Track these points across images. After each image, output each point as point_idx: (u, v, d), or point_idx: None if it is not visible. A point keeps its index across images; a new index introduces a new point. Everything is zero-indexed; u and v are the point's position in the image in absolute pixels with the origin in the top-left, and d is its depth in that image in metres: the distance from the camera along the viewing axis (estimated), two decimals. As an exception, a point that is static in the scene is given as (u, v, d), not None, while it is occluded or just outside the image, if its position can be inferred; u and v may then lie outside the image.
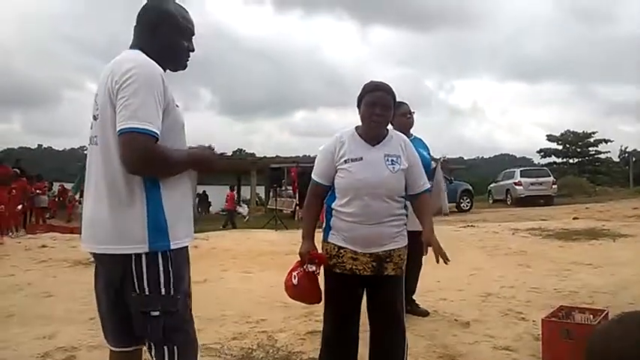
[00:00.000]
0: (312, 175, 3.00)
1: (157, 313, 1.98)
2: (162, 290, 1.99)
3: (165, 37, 2.15)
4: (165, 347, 2.00)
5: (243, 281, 6.08)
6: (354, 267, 2.85)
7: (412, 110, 4.71)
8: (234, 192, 22.33)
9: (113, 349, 2.19)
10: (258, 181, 27.87)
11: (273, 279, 6.29)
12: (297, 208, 20.49)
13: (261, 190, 30.09)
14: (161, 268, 1.99)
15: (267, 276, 6.58)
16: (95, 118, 2.06)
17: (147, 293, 1.97)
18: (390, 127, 2.99)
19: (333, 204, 2.90)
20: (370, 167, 2.82)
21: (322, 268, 2.91)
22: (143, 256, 1.97)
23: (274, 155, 33.64)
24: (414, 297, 4.69)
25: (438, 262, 2.86)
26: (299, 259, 2.95)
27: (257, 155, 35.72)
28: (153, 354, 2.02)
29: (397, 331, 2.92)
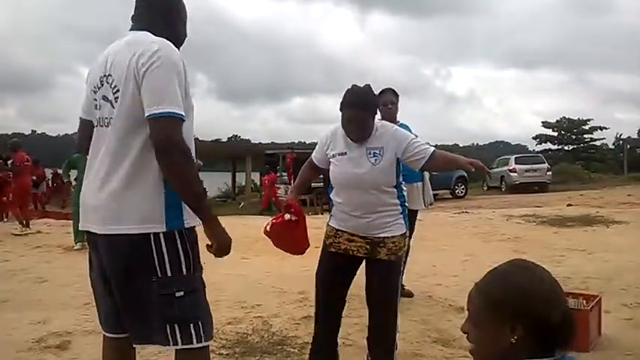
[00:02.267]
0: (313, 153, 3.22)
1: (181, 294, 1.99)
2: (184, 270, 2.01)
3: (176, 26, 2.20)
4: (192, 325, 2.01)
5: (238, 267, 6.08)
6: (348, 247, 3.02)
7: (393, 100, 4.59)
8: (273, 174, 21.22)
9: (108, 334, 2.17)
10: (253, 167, 27.84)
11: (268, 265, 6.31)
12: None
13: (256, 177, 30.08)
14: (180, 247, 2.00)
15: (262, 262, 6.59)
16: (106, 99, 2.03)
17: (169, 275, 1.97)
18: (376, 120, 3.03)
19: (331, 194, 3.12)
20: (352, 162, 2.96)
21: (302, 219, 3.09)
22: (161, 235, 1.97)
23: (270, 142, 33.63)
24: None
25: (484, 181, 3.10)
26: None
27: (252, 141, 35.68)
28: (178, 335, 1.98)
29: (388, 313, 3.00)
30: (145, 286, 1.96)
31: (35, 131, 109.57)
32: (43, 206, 19.27)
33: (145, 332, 2.02)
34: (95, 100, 2.09)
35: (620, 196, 16.34)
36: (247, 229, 9.73)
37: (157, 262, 1.96)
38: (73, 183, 8.50)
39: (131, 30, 2.15)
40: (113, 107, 2.01)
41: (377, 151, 2.92)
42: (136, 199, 1.97)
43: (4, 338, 3.85)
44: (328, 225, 3.13)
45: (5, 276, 6.05)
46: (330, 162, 3.07)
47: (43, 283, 5.70)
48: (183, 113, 1.92)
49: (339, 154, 3.00)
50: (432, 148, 2.99)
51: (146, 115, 1.91)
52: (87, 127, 2.18)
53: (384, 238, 2.95)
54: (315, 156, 3.19)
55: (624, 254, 6.55)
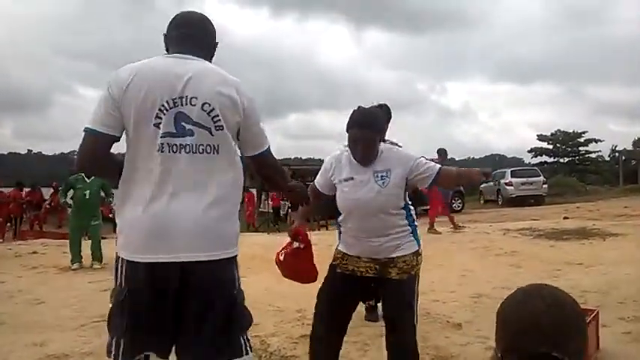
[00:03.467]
0: (316, 179, 3.17)
1: (245, 303, 2.21)
2: (240, 284, 2.21)
3: (213, 54, 2.32)
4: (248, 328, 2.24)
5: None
6: (355, 268, 2.97)
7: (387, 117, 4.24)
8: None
9: None
10: (250, 184, 27.80)
11: (265, 283, 6.28)
12: (290, 210, 20.49)
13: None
14: (238, 266, 2.23)
15: (259, 280, 6.56)
16: (202, 126, 2.07)
17: (240, 287, 2.19)
18: (382, 144, 3.02)
19: (339, 219, 3.07)
20: (360, 187, 2.92)
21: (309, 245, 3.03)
22: (237, 256, 2.20)
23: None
24: None
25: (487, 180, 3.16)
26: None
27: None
28: (243, 338, 2.16)
29: (403, 334, 2.88)
30: (230, 300, 2.13)
31: (31, 150, 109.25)
32: (40, 226, 19.24)
33: (221, 348, 2.10)
34: (160, 119, 2.05)
35: (616, 208, 16.39)
36: (244, 246, 9.69)
37: (236, 278, 2.19)
38: (69, 202, 8.47)
39: (186, 53, 2.17)
40: (212, 134, 2.08)
41: (384, 174, 2.90)
42: (234, 224, 2.19)
43: (0, 361, 3.83)
44: (336, 250, 3.10)
45: (2, 297, 6.01)
46: (334, 187, 3.03)
47: (39, 305, 5.67)
48: None
49: (345, 180, 2.96)
50: (439, 166, 2.98)
51: (256, 153, 2.24)
52: (109, 144, 2.09)
53: (394, 257, 2.91)
54: (318, 182, 3.12)
55: (621, 267, 6.54)
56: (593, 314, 3.75)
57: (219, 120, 2.07)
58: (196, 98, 2.06)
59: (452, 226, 11.09)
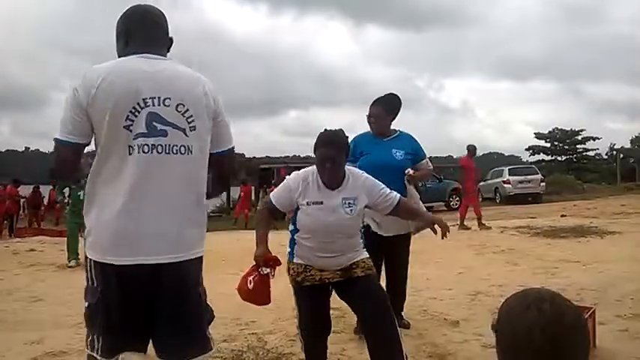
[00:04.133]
0: (272, 197, 3.17)
1: (208, 300, 2.27)
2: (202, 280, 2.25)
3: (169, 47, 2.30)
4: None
5: (233, 283, 6.03)
6: (323, 277, 3.07)
7: (379, 114, 4.23)
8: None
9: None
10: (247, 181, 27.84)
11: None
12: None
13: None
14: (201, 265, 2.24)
15: (257, 277, 6.57)
16: (177, 127, 2.07)
17: (203, 284, 2.23)
18: (347, 167, 3.09)
19: (296, 235, 3.10)
20: (329, 212, 2.98)
21: (276, 272, 3.00)
22: (201, 258, 2.21)
23: (264, 156, 33.65)
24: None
25: (443, 237, 3.18)
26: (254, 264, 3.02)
27: (247, 156, 35.65)
28: (209, 333, 2.22)
29: (386, 312, 3.00)
30: (197, 298, 2.18)
31: (29, 148, 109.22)
32: (38, 223, 19.22)
33: (190, 345, 2.15)
34: (132, 121, 2.01)
35: (614, 206, 16.40)
36: (241, 243, 9.71)
37: (201, 276, 2.23)
38: (67, 200, 8.48)
39: (153, 52, 2.14)
40: (187, 135, 2.08)
41: (351, 201, 3.02)
42: (203, 224, 2.21)
43: (-2, 359, 3.82)
44: (292, 263, 3.12)
45: (-1, 295, 6.01)
46: (297, 207, 3.05)
47: (37, 302, 5.67)
48: None
49: (313, 203, 2.99)
50: (399, 196, 3.16)
51: (219, 150, 2.21)
52: (78, 152, 2.07)
53: (353, 262, 3.08)
54: (278, 201, 3.09)
55: (618, 265, 6.55)
56: (590, 312, 3.76)
57: (193, 121, 2.08)
58: (170, 99, 2.05)
59: (478, 223, 11.26)
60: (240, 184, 19.78)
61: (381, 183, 3.15)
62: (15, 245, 10.32)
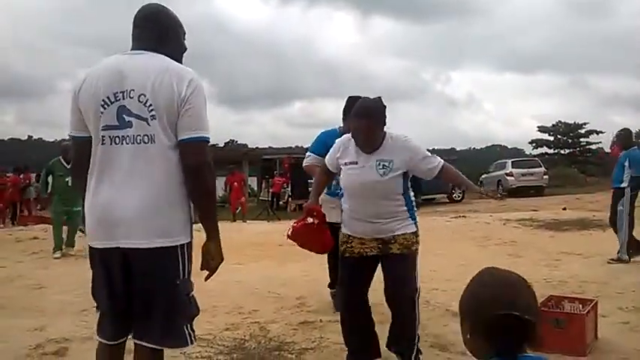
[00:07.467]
0: (326, 158, 3.35)
1: (193, 293, 2.25)
2: (188, 274, 2.23)
3: (178, 42, 2.35)
4: (194, 319, 2.27)
5: (236, 272, 6.06)
6: (361, 250, 3.15)
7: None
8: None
9: (111, 342, 2.26)
10: (250, 171, 27.87)
11: (265, 270, 6.32)
12: (290, 199, 20.51)
13: (253, 182, 30.10)
14: (187, 256, 2.22)
15: (259, 267, 6.59)
16: (138, 116, 2.12)
17: (186, 277, 2.21)
18: (388, 131, 3.13)
19: (342, 200, 3.26)
20: (361, 172, 3.06)
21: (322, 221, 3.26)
22: (185, 246, 2.21)
23: (267, 146, 33.66)
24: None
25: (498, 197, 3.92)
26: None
27: (250, 146, 35.63)
28: (187, 328, 2.22)
29: (406, 307, 3.13)
30: (172, 288, 2.16)
31: (32, 137, 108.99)
32: (42, 208, 19.22)
33: (160, 335, 2.17)
34: (102, 113, 2.15)
35: (617, 199, 16.33)
36: (243, 234, 9.74)
37: (181, 267, 2.19)
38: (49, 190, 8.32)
39: (138, 48, 2.25)
40: (149, 125, 2.12)
41: (386, 163, 3.03)
42: (176, 212, 2.18)
43: (1, 345, 3.84)
44: (341, 232, 3.26)
45: (2, 282, 6.04)
46: (341, 168, 3.18)
47: (40, 289, 5.69)
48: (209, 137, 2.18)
49: (349, 163, 3.11)
50: (442, 162, 3.15)
51: (183, 138, 2.13)
52: (85, 145, 2.23)
53: (395, 235, 3.10)
54: (327, 161, 3.30)
55: (620, 258, 6.54)
56: (592, 304, 3.76)
57: (153, 110, 2.12)
58: (134, 91, 2.13)
59: None
60: (228, 173, 18.05)
61: (423, 147, 3.19)
62: (18, 233, 10.35)
